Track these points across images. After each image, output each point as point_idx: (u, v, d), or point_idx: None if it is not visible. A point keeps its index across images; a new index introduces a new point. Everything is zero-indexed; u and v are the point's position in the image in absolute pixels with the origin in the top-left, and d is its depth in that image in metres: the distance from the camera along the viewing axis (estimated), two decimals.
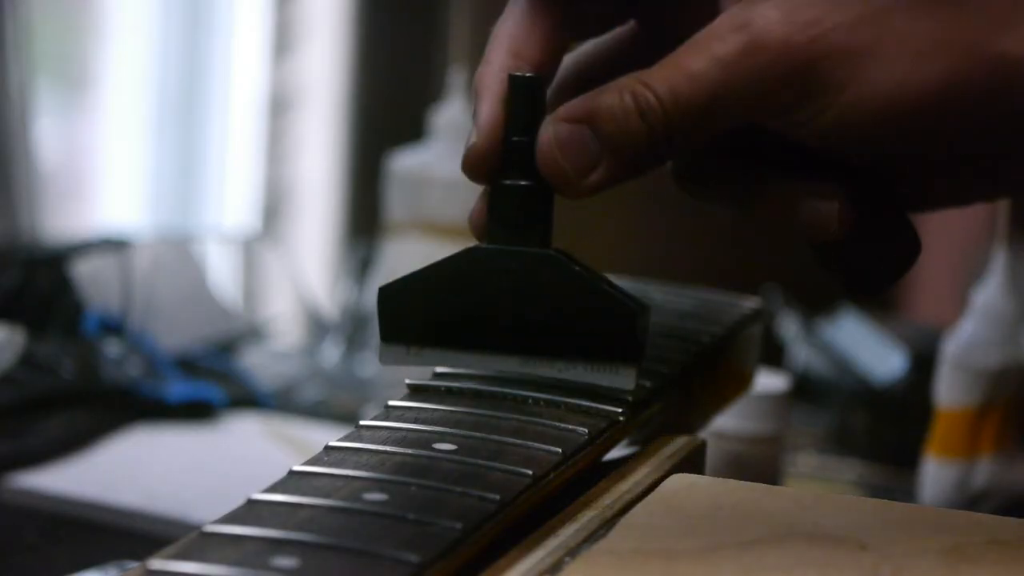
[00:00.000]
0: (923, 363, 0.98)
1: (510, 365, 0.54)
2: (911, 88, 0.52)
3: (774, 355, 1.13)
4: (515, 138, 0.54)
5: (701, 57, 0.52)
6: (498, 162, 0.54)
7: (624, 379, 0.53)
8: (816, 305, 1.20)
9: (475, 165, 0.54)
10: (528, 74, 0.54)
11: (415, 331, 0.54)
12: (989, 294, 0.90)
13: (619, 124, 0.53)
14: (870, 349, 1.09)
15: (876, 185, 0.56)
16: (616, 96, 0.53)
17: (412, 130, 1.21)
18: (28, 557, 0.79)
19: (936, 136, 0.53)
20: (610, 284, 0.53)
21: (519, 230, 0.53)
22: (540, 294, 0.53)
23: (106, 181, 2.13)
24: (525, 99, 0.54)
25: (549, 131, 0.53)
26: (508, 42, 0.55)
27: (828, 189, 0.54)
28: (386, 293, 0.55)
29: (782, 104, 0.52)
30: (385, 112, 1.93)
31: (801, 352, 1.15)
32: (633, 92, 0.53)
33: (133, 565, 0.45)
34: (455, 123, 1.07)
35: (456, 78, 1.09)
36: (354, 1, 2.01)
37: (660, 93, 0.52)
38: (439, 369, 0.55)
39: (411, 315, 0.55)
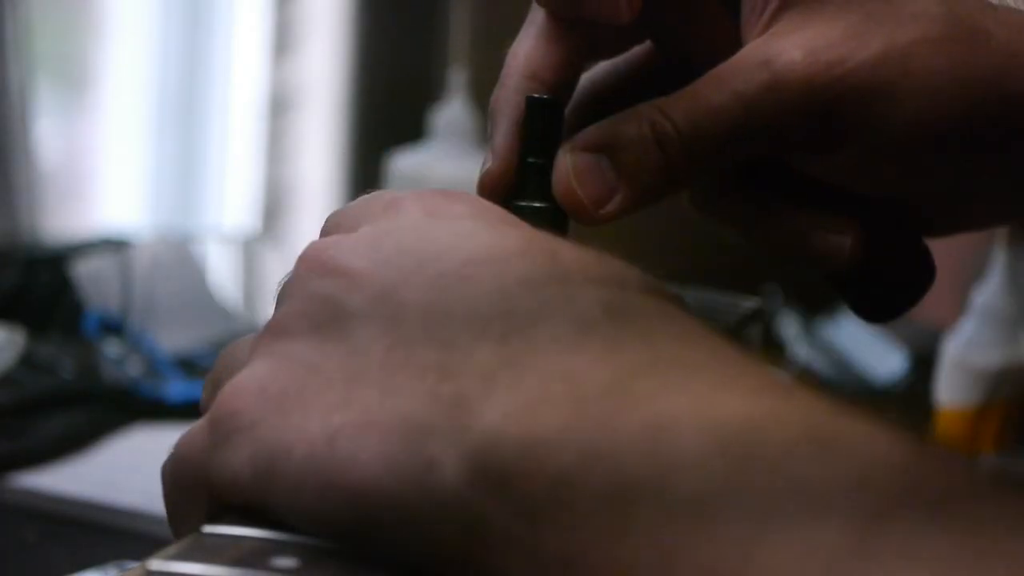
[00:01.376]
0: (923, 363, 0.99)
1: None
2: (932, 126, 0.51)
3: (774, 355, 1.14)
4: (531, 160, 0.54)
5: (723, 91, 0.52)
6: (513, 186, 0.54)
7: None
8: (816, 305, 1.20)
9: (490, 189, 0.54)
10: (545, 96, 0.54)
11: None
12: (989, 294, 0.90)
13: (637, 154, 0.53)
14: (870, 349, 1.09)
15: (892, 213, 0.56)
16: (635, 126, 0.53)
17: (412, 130, 1.21)
18: (28, 557, 0.79)
19: (956, 169, 0.53)
20: None
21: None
22: None
23: (106, 181, 2.13)
24: (541, 121, 0.54)
25: (567, 160, 0.53)
26: (525, 64, 0.55)
27: (842, 222, 0.54)
28: None
29: (802, 141, 0.52)
30: (385, 112, 1.93)
31: (801, 352, 1.15)
32: (652, 122, 0.53)
33: (133, 565, 0.45)
34: (455, 123, 1.07)
35: (456, 78, 1.09)
36: (354, 1, 2.01)
37: (680, 124, 0.52)
38: None
39: None
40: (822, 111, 0.51)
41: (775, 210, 0.55)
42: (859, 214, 0.55)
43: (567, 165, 0.53)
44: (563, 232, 0.54)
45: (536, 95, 0.54)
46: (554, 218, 0.54)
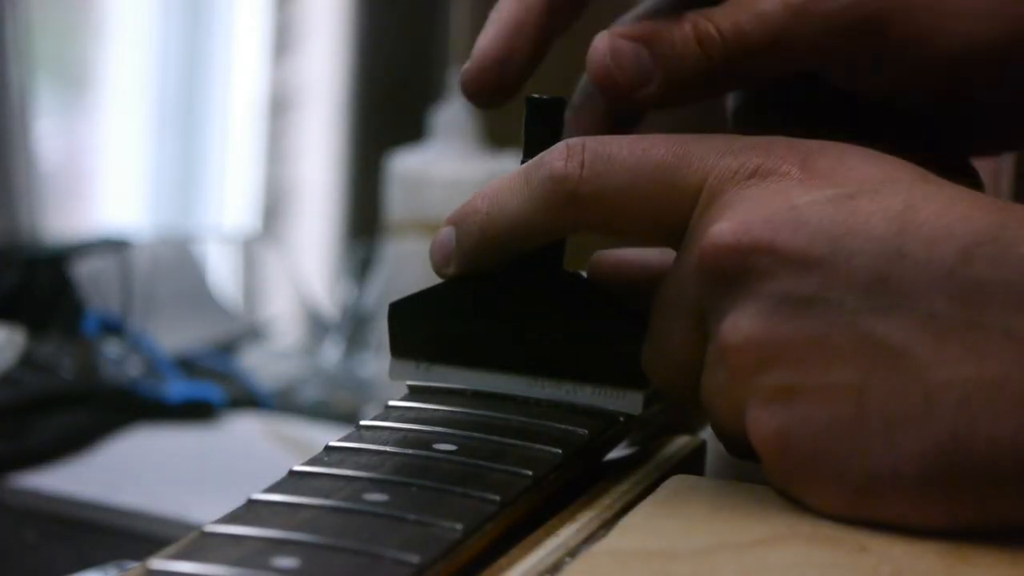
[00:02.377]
0: None
1: (518, 384, 0.54)
2: (979, 41, 0.52)
3: None
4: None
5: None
6: (492, 82, 0.55)
7: (631, 403, 0.53)
8: None
9: (466, 88, 0.56)
10: (546, 96, 0.54)
11: (425, 348, 0.54)
12: None
13: (676, 49, 0.53)
14: None
15: (936, 133, 0.56)
16: (676, 24, 0.53)
17: (412, 130, 1.21)
18: (28, 557, 0.79)
19: (1003, 86, 0.53)
20: (620, 307, 0.53)
21: (532, 251, 0.53)
22: (550, 315, 0.53)
23: (106, 181, 2.13)
24: (543, 121, 0.54)
25: (605, 42, 0.54)
26: None
27: (883, 146, 0.55)
28: (397, 309, 0.55)
29: (846, 55, 0.52)
30: (385, 112, 1.93)
31: None
32: (694, 23, 0.53)
33: (133, 565, 0.45)
34: (455, 123, 1.07)
35: (456, 78, 1.09)
36: (354, 1, 2.01)
37: (723, 28, 0.53)
38: None
39: (421, 332, 0.54)
40: (869, 26, 0.51)
41: (815, 130, 0.56)
42: (898, 135, 0.55)
43: (605, 45, 0.53)
44: (563, 240, 0.54)
45: (537, 95, 0.54)
46: None
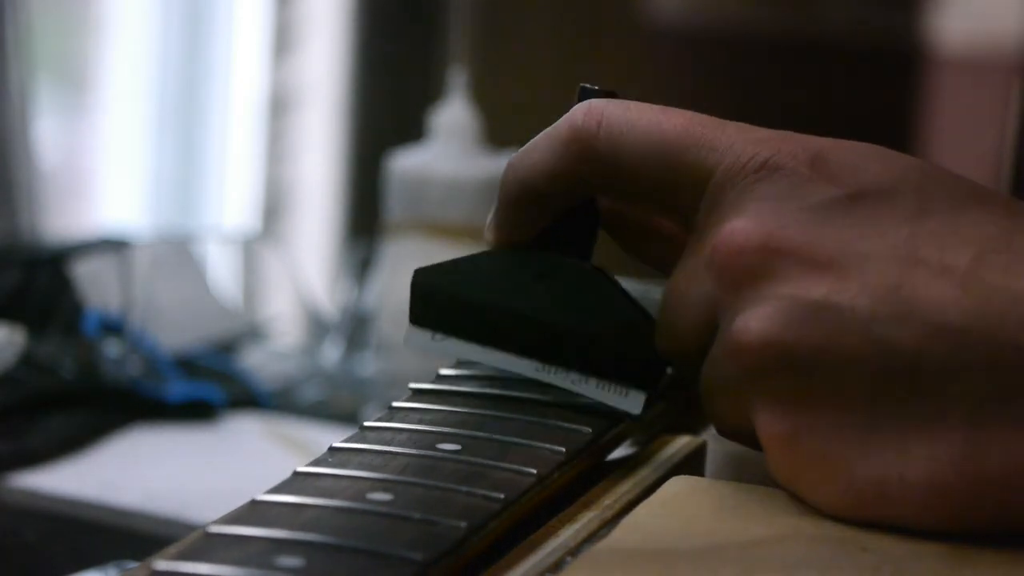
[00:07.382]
0: None
1: (526, 368, 0.54)
2: None
3: None
4: None
5: None
6: None
7: (632, 403, 0.53)
8: None
9: None
10: (598, 87, 0.54)
11: (442, 319, 0.55)
12: None
13: None
14: None
15: None
16: None
17: (412, 130, 1.21)
18: (28, 557, 0.79)
19: None
20: (638, 308, 0.53)
21: (562, 238, 0.54)
22: (568, 304, 0.53)
23: (106, 181, 2.13)
24: None
25: None
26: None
27: None
28: (420, 277, 0.55)
29: None
30: (385, 112, 1.93)
31: None
32: None
33: (133, 565, 0.45)
34: (455, 123, 1.07)
35: (456, 78, 1.09)
36: (354, 1, 2.01)
37: None
38: (442, 371, 0.56)
39: (440, 302, 0.55)
40: None
41: None
42: None
43: None
44: (594, 225, 0.55)
45: (589, 85, 0.54)
46: (588, 209, 0.54)
